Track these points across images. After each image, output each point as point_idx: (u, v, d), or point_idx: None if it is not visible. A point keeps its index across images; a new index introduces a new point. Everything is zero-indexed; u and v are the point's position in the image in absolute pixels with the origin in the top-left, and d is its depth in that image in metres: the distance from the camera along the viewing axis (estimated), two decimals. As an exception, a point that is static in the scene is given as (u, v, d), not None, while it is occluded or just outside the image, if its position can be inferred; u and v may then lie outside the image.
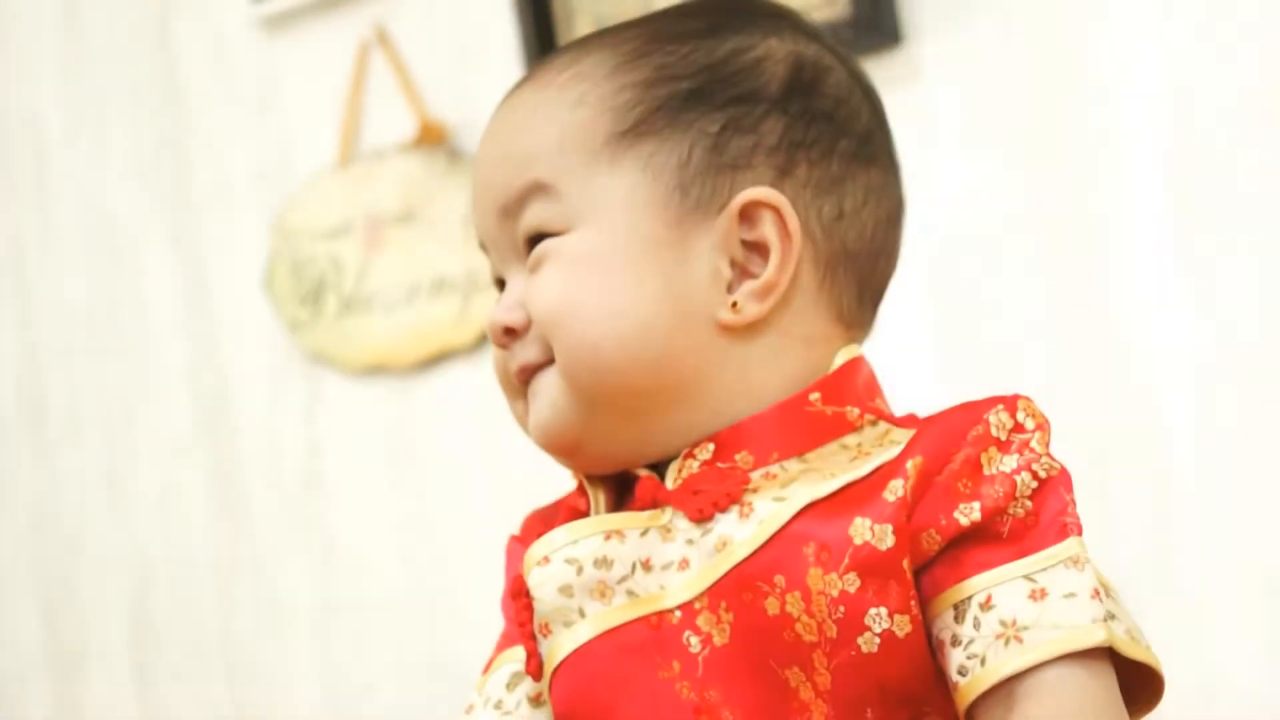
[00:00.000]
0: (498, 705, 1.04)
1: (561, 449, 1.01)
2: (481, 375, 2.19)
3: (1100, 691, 0.89)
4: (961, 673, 0.90)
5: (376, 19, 2.27)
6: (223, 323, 2.38)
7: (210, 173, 2.39)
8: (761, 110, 1.01)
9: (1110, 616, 0.91)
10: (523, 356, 1.01)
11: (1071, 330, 1.84)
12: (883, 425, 0.98)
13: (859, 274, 1.03)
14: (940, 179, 1.90)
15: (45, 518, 2.50)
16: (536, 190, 1.00)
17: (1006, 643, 0.89)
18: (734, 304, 0.99)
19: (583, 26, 2.08)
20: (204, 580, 2.38)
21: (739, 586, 0.93)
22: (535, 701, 1.02)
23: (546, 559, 0.96)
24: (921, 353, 1.90)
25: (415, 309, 2.22)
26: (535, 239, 1.01)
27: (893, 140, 1.07)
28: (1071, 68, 1.85)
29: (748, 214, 0.99)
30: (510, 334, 1.01)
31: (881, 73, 1.93)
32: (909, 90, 1.92)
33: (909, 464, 0.93)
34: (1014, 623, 0.89)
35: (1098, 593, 0.91)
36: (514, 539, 1.08)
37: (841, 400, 0.99)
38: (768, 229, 0.99)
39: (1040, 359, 1.85)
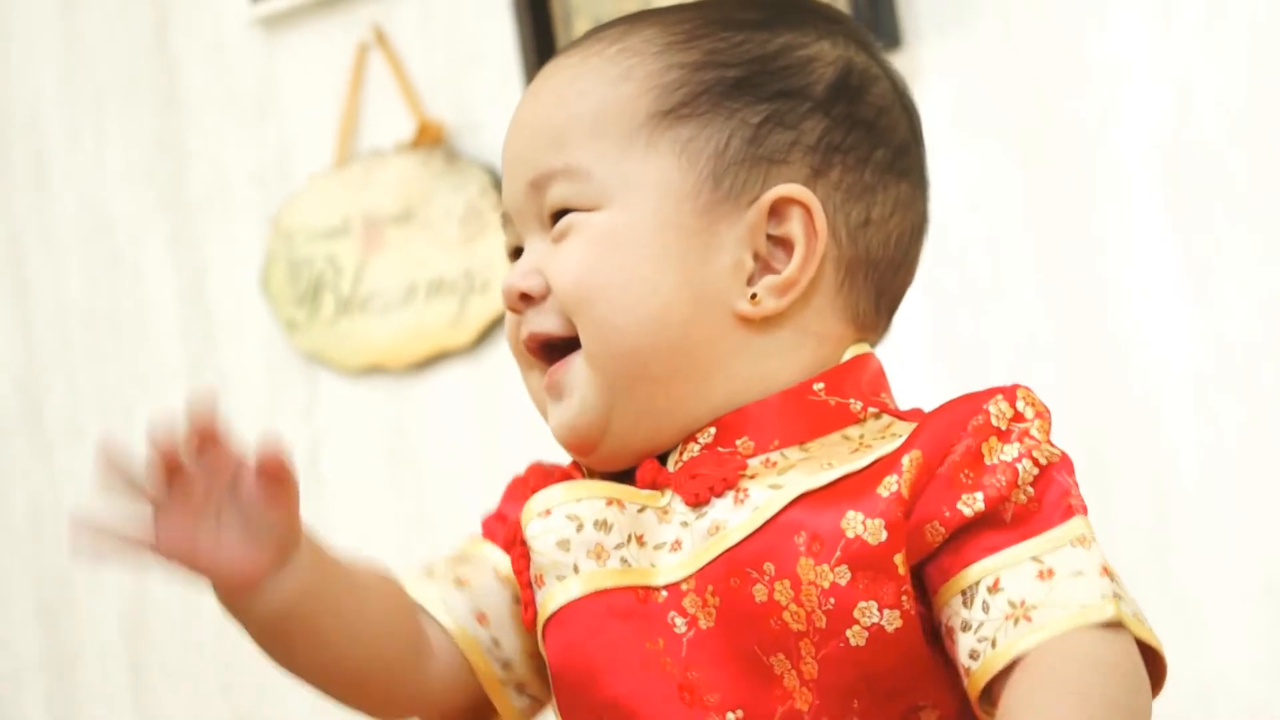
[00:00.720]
0: (429, 573, 1.08)
1: (583, 446, 1.01)
2: (479, 376, 2.19)
3: (1118, 656, 0.89)
4: (973, 657, 0.90)
5: (375, 20, 2.27)
6: (220, 323, 2.37)
7: (208, 173, 2.38)
8: (805, 108, 1.01)
9: (1119, 596, 0.91)
10: (537, 324, 1.01)
11: (1069, 332, 1.84)
12: (886, 418, 0.99)
13: (878, 281, 1.04)
14: (939, 180, 1.90)
15: (43, 517, 2.49)
16: (568, 172, 1.00)
17: (1016, 622, 0.89)
18: (753, 296, 0.99)
19: (581, 28, 2.08)
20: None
21: (728, 571, 0.94)
22: (457, 584, 1.05)
23: (548, 510, 0.98)
24: (918, 354, 1.90)
25: (412, 309, 2.22)
26: (561, 212, 1.00)
27: (925, 157, 1.08)
28: (1070, 70, 1.85)
29: (777, 209, 1.00)
30: (525, 300, 1.01)
31: (880, 74, 1.94)
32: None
33: (905, 459, 0.93)
34: (1023, 603, 0.89)
35: (1106, 570, 0.91)
36: (518, 479, 1.08)
37: (845, 392, 0.99)
38: (795, 226, 0.99)
39: (1038, 359, 1.85)
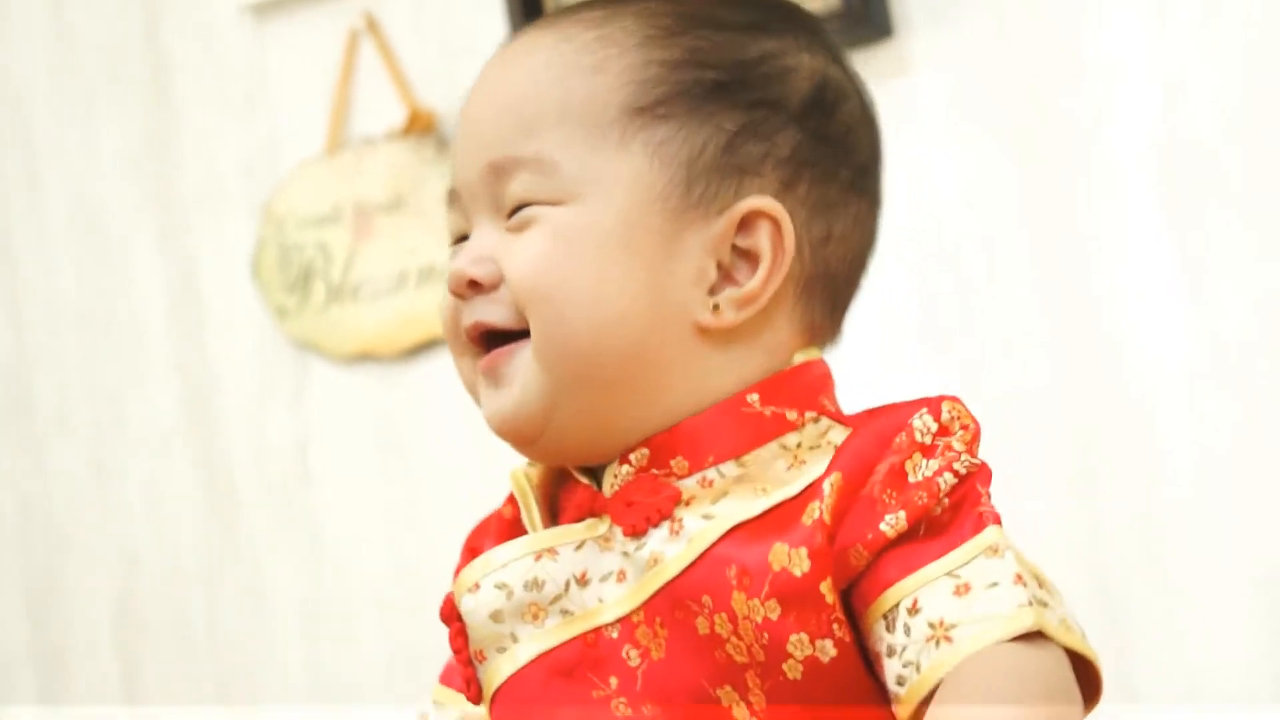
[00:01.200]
0: None
1: (519, 438, 0.99)
2: (470, 364, 2.19)
3: (1037, 667, 0.87)
4: (900, 683, 0.89)
5: (366, 7, 2.26)
6: (210, 311, 2.37)
7: (199, 162, 2.38)
8: (781, 120, 0.99)
9: (1041, 602, 0.89)
10: (484, 314, 0.98)
11: (1064, 329, 1.84)
12: (824, 422, 0.97)
13: (833, 295, 1.02)
14: (930, 174, 1.90)
15: (32, 509, 2.49)
16: (535, 164, 0.96)
17: (937, 644, 0.88)
18: (715, 307, 0.97)
19: (573, 16, 2.08)
20: (191, 572, 2.37)
21: (671, 604, 0.93)
22: None
23: (477, 585, 0.96)
24: (911, 350, 1.90)
25: (403, 297, 2.22)
26: (523, 204, 0.97)
27: (883, 176, 1.07)
28: (1064, 62, 1.85)
29: (747, 221, 0.97)
30: (474, 287, 0.98)
31: (871, 66, 1.93)
32: (899, 84, 1.92)
33: (826, 483, 0.92)
34: (942, 623, 0.88)
35: (1020, 578, 0.89)
36: (465, 546, 1.06)
37: (781, 401, 0.97)
38: (762, 239, 0.97)
39: (1032, 356, 1.85)
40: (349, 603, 2.27)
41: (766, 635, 0.90)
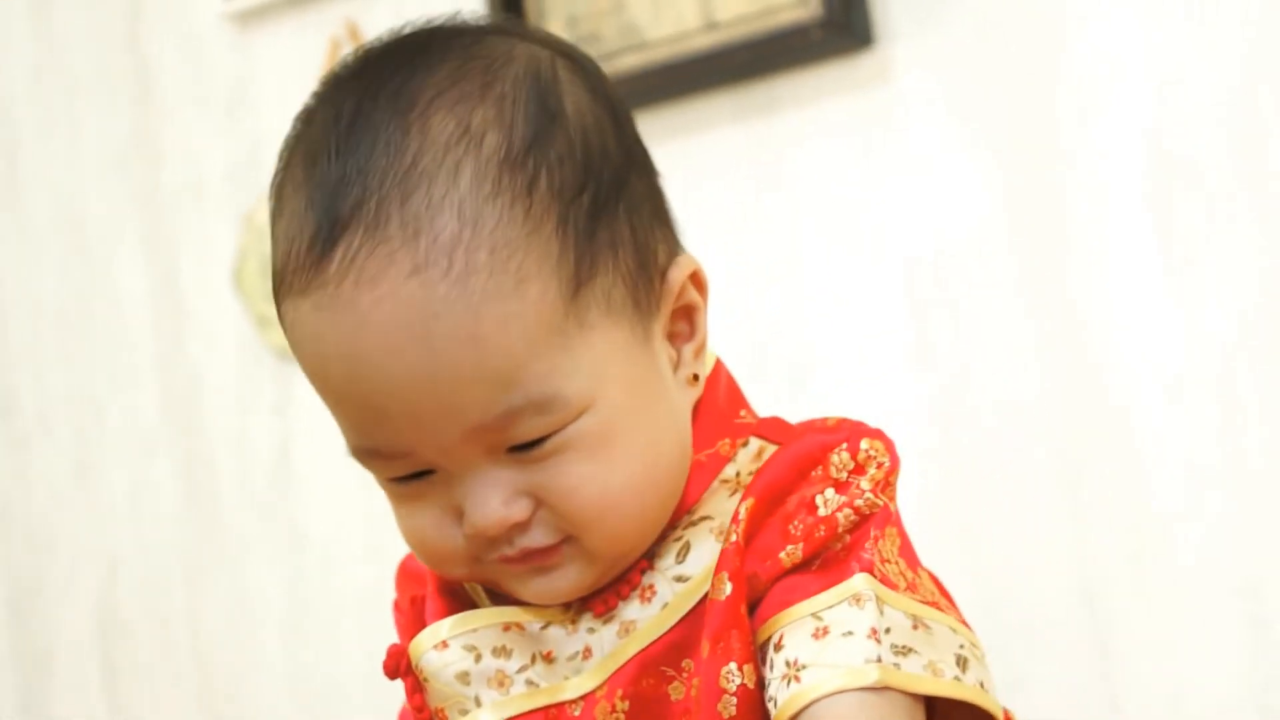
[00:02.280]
0: None
1: (568, 600, 0.95)
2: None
3: (888, 716, 0.88)
4: (766, 717, 0.90)
5: (348, 15, 2.26)
6: (193, 319, 2.37)
7: (181, 169, 2.38)
8: (633, 183, 0.94)
9: (904, 651, 0.89)
10: (530, 541, 0.92)
11: (1048, 332, 1.84)
12: (754, 444, 0.96)
13: None
14: (913, 183, 1.90)
15: (14, 513, 2.49)
16: (535, 406, 0.89)
17: (789, 683, 0.88)
18: (694, 376, 0.96)
19: (555, 26, 2.08)
20: (173, 577, 2.37)
21: (640, 672, 0.92)
22: None
23: (445, 644, 0.94)
24: (895, 352, 1.90)
25: (385, 306, 2.22)
26: (536, 438, 0.91)
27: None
28: (1048, 70, 1.84)
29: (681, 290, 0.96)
30: (516, 528, 0.92)
31: (853, 75, 1.93)
32: (880, 93, 1.92)
33: (742, 507, 0.92)
34: (796, 662, 0.89)
35: (875, 631, 0.89)
36: (401, 588, 1.04)
37: (710, 439, 0.96)
38: (692, 294, 0.96)
39: (1017, 360, 1.85)
40: (331, 608, 2.27)
41: (699, 679, 0.90)
